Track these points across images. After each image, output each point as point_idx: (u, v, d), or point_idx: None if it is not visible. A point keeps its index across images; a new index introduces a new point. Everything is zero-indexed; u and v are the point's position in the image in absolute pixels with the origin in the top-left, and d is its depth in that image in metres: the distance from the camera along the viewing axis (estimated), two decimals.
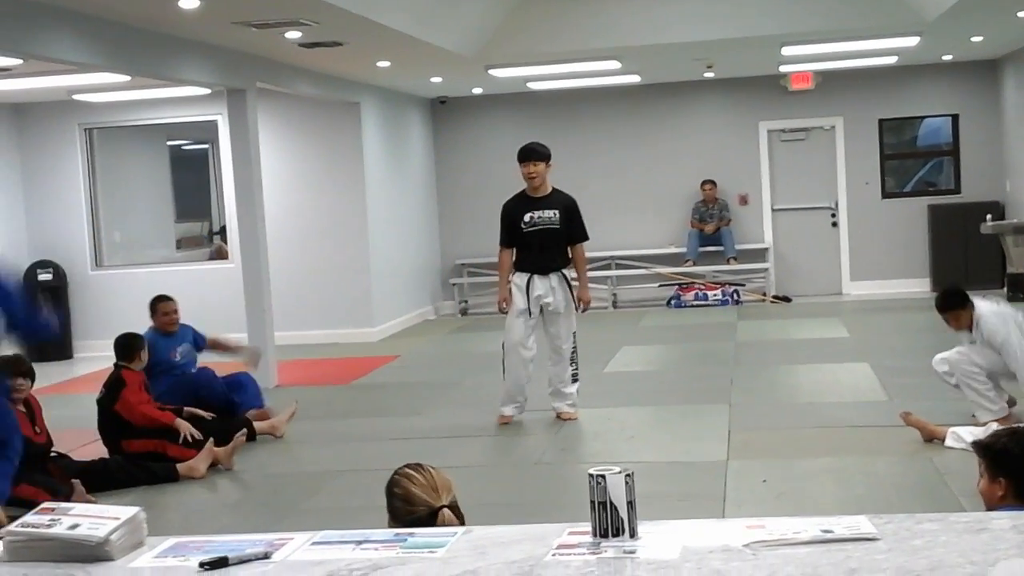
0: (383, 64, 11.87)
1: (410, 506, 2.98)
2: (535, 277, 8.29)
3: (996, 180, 14.97)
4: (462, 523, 2.94)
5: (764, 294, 15.33)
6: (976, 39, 12.85)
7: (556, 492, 6.60)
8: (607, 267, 15.71)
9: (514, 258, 8.43)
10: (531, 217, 8.29)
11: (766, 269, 15.50)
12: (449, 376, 10.87)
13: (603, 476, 2.55)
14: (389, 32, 9.58)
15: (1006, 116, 14.81)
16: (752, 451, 7.29)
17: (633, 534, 2.54)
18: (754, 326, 13.13)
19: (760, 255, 15.62)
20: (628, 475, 2.56)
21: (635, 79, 14.73)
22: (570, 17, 11.57)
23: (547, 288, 8.29)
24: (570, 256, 8.45)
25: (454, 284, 15.89)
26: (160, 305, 8.60)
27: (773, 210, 15.73)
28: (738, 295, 15.21)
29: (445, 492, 3.04)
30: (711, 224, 15.44)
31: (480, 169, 15.94)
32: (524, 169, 8.29)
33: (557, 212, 8.32)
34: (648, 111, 15.76)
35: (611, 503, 2.53)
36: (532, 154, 8.32)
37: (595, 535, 2.54)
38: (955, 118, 15.47)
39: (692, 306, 15.12)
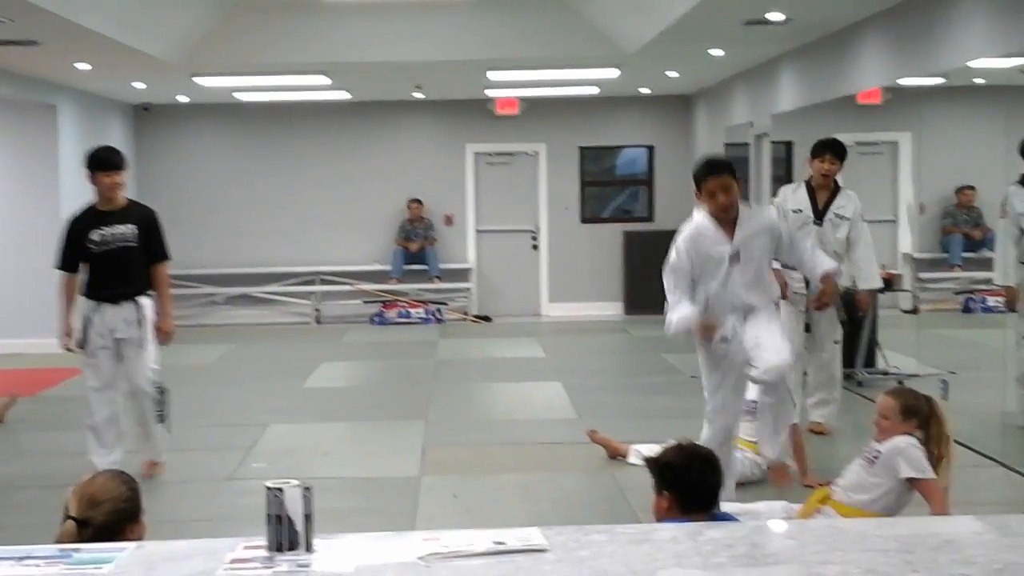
0: (82, 66, 11.44)
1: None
2: (106, 306, 7.11)
3: (686, 210, 15.61)
4: (95, 540, 2.87)
5: (466, 313, 15.57)
6: (671, 74, 13.46)
7: (245, 508, 6.48)
8: (312, 282, 15.62)
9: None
10: (101, 235, 7.09)
11: (468, 289, 15.75)
12: None
13: (280, 489, 2.53)
14: (88, 33, 9.25)
15: (697, 149, 15.55)
16: (445, 467, 7.38)
17: (309, 548, 2.53)
18: (455, 344, 13.32)
19: (463, 275, 15.87)
20: (306, 488, 2.55)
21: (345, 96, 14.72)
22: (279, 30, 11.47)
23: (120, 319, 7.11)
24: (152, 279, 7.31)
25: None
26: None
27: (477, 231, 16.01)
28: (440, 313, 15.40)
29: (88, 506, 2.99)
30: (416, 242, 15.58)
31: (185, 179, 15.61)
32: (107, 179, 7.10)
33: (134, 228, 7.14)
34: (358, 128, 15.78)
35: (287, 516, 2.52)
36: (113, 162, 7.16)
37: (270, 549, 2.52)
38: (651, 149, 16.16)
39: (395, 323, 15.21)
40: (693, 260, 5.75)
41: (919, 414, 5.16)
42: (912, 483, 5.07)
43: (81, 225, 7.18)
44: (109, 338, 7.13)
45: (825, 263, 6.02)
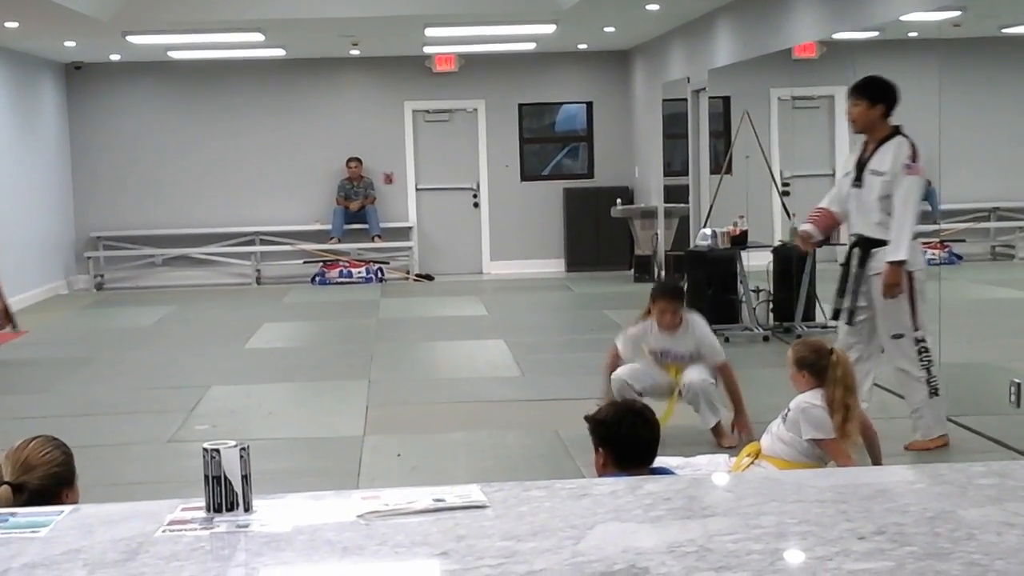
0: (11, 25, 11.25)
1: None
2: None
3: (626, 166, 15.73)
4: (31, 505, 2.83)
5: (407, 272, 15.54)
6: (609, 30, 13.45)
7: (188, 470, 6.45)
8: (251, 243, 15.51)
9: None
10: None
11: (410, 248, 15.70)
12: (81, 352, 10.45)
13: (217, 450, 2.51)
14: None
15: (635, 105, 15.58)
16: (389, 426, 7.39)
17: (248, 508, 2.52)
18: (397, 304, 13.30)
19: (404, 234, 15.82)
20: (243, 449, 2.53)
21: (279, 53, 14.57)
22: None
23: None
24: None
25: (89, 258, 15.25)
26: None
27: (417, 189, 15.96)
28: (382, 273, 15.36)
29: (24, 470, 2.95)
30: (356, 202, 15.50)
31: (119, 139, 15.40)
32: None
33: None
34: (294, 86, 15.62)
35: (225, 477, 2.50)
36: None
37: (208, 510, 2.51)
38: (590, 105, 16.15)
39: (336, 283, 15.16)
40: None
41: (812, 365, 5.11)
42: (816, 443, 5.09)
43: None
44: None
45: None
